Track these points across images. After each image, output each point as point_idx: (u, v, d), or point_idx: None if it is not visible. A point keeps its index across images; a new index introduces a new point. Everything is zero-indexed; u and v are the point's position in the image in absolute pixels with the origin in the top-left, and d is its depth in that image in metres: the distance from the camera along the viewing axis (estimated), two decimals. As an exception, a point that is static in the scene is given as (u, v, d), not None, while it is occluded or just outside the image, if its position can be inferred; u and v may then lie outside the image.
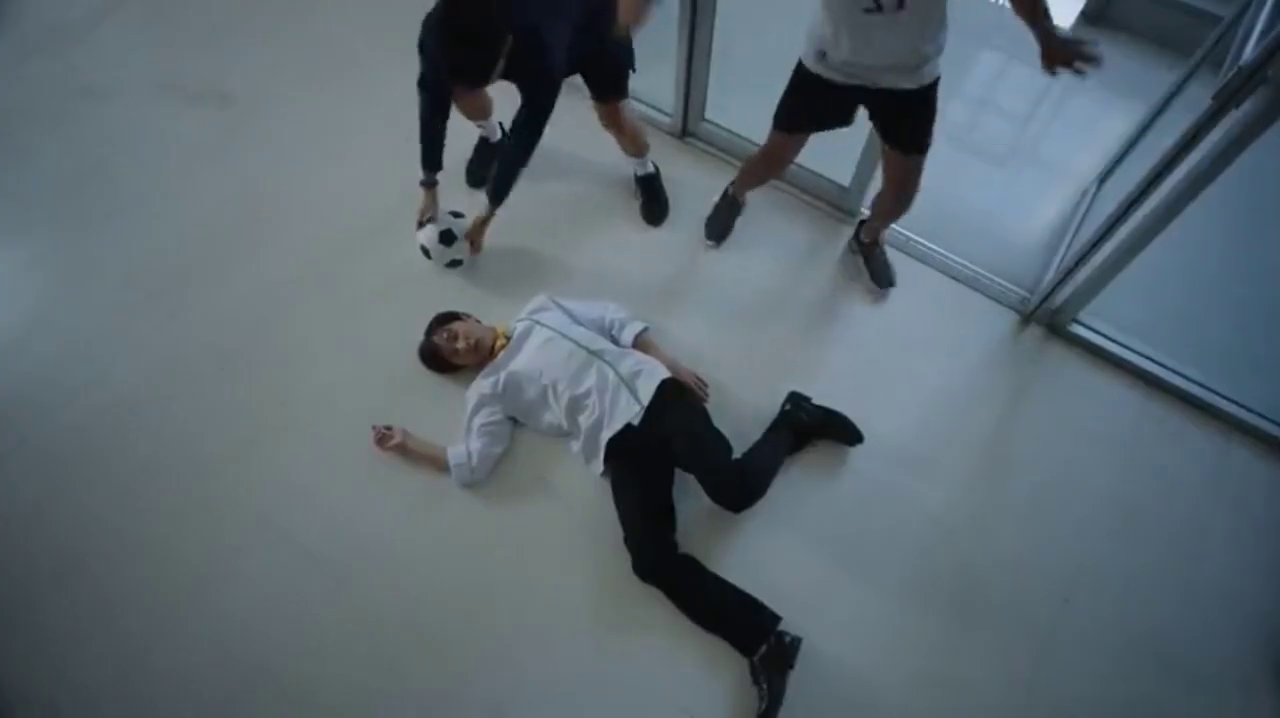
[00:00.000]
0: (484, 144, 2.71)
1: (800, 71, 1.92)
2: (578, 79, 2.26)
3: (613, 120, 2.41)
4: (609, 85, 2.30)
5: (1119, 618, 2.01)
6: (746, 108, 2.49)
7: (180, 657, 1.87)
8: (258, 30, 3.15)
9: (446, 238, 2.30)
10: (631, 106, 2.42)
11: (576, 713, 1.84)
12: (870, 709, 1.86)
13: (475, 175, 2.69)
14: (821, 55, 1.82)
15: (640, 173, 2.63)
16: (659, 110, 2.85)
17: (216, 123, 2.86)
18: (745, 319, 2.45)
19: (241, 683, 1.85)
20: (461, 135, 2.46)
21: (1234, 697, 1.93)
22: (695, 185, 2.69)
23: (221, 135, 2.82)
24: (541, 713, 1.83)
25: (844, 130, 2.06)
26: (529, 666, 1.88)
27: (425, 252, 2.36)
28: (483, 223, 2.32)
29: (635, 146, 2.53)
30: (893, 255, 2.52)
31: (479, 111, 2.55)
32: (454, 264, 2.39)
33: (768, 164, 2.33)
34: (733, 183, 2.52)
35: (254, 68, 3.02)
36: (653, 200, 2.64)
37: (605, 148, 2.58)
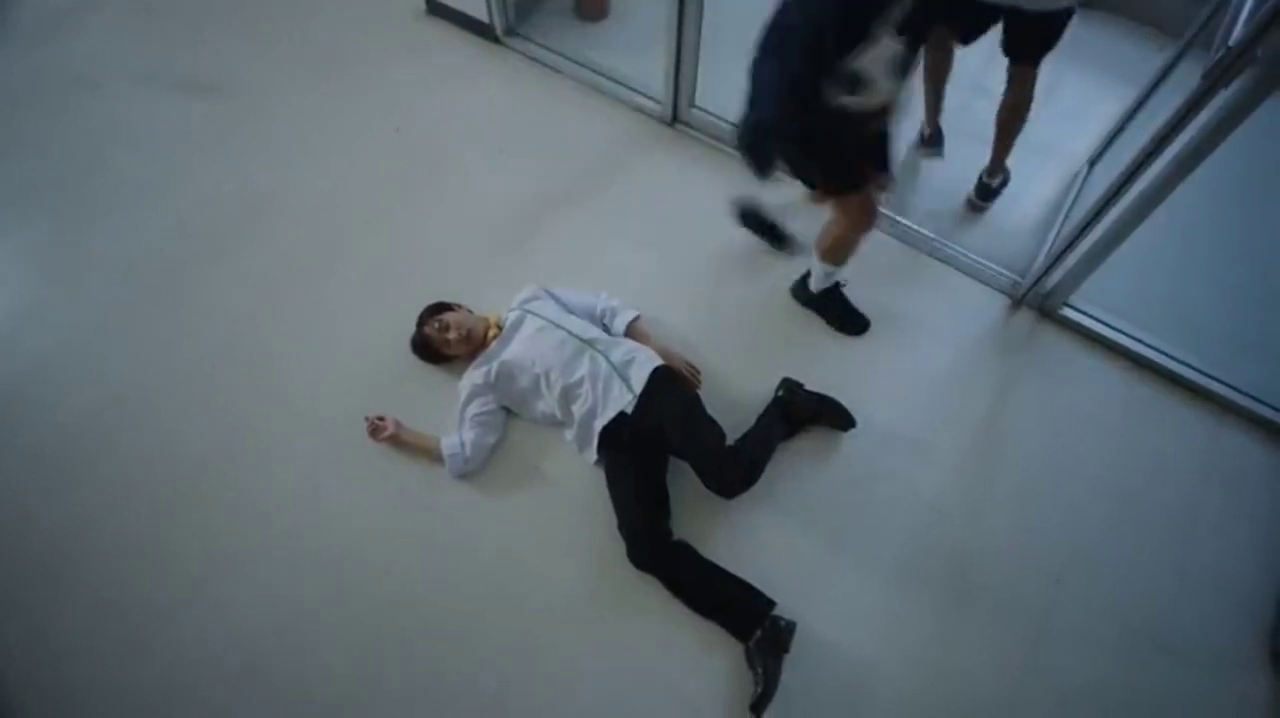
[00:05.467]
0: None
1: None
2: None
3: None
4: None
5: (1113, 601, 2.02)
6: (738, 94, 2.46)
7: (178, 654, 1.87)
8: (256, 25, 3.12)
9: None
10: None
11: (574, 698, 1.84)
12: (865, 693, 1.87)
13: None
14: None
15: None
16: (647, 97, 2.84)
17: (213, 116, 2.83)
18: (738, 306, 2.44)
19: (240, 679, 1.84)
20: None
21: (1230, 679, 1.94)
22: (685, 173, 2.68)
23: (218, 129, 2.80)
24: (539, 699, 1.84)
25: None
26: (526, 652, 1.88)
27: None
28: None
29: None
30: (886, 243, 2.51)
31: None
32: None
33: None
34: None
35: (252, 62, 2.99)
36: (775, 233, 2.52)
37: (588, 139, 2.55)
